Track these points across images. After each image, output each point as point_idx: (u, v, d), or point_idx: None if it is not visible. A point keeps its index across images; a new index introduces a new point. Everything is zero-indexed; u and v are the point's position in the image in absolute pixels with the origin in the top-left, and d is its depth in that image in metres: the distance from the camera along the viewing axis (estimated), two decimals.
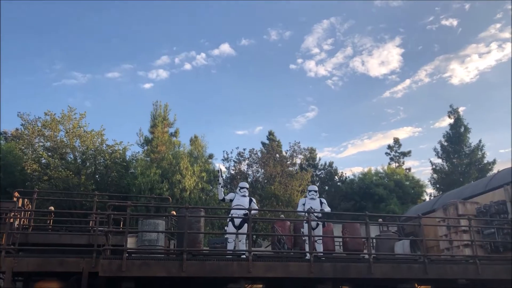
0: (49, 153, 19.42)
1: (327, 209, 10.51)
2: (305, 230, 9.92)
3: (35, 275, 9.33)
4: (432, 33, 56.25)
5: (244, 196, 9.90)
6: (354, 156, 53.89)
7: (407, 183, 28.72)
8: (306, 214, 9.54)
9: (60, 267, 8.97)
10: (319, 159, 34.12)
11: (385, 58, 54.67)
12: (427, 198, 29.85)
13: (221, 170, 10.90)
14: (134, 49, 52.97)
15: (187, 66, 50.98)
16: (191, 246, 8.82)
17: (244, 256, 8.87)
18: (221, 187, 10.42)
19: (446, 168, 31.74)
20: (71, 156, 19.89)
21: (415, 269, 9.45)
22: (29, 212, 11.51)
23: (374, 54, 54.68)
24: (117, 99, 50.36)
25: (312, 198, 10.32)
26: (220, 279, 8.39)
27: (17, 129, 21.19)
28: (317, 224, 9.99)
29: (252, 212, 9.26)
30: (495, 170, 26.87)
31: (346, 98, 58.51)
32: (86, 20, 49.34)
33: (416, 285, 9.61)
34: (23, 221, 11.57)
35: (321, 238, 10.02)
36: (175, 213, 13.61)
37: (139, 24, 52.95)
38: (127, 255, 7.95)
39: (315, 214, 9.86)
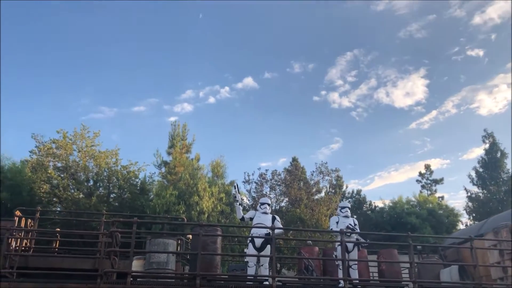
0: (61, 174, 18.88)
1: (358, 230, 9.45)
2: (338, 253, 8.84)
3: None
4: (457, 63, 55.92)
5: (265, 213, 8.95)
6: (381, 188, 53.27)
7: (441, 212, 27.44)
8: (341, 234, 8.48)
9: None
10: (346, 187, 32.99)
11: (410, 89, 54.61)
12: (462, 227, 28.50)
13: (237, 185, 9.93)
14: (160, 84, 55.03)
15: (211, 100, 52.25)
16: (206, 271, 7.87)
17: (266, 283, 7.88)
18: (239, 204, 9.46)
19: (481, 196, 30.47)
20: (83, 177, 19.30)
21: None
22: (30, 233, 10.83)
23: (398, 85, 54.69)
24: (142, 132, 51.85)
25: (345, 216, 9.27)
26: None
27: (30, 152, 20.78)
28: (354, 247, 8.90)
29: (276, 231, 8.27)
30: None
31: (371, 130, 58.67)
32: (113, 55, 51.43)
33: None
34: (25, 243, 10.95)
35: (356, 263, 8.91)
36: (190, 237, 12.70)
37: (165, 60, 55.15)
38: (131, 279, 7.08)
39: (353, 234, 8.78)
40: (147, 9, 53.95)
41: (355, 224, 9.31)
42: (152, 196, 18.87)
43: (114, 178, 19.71)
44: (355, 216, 9.72)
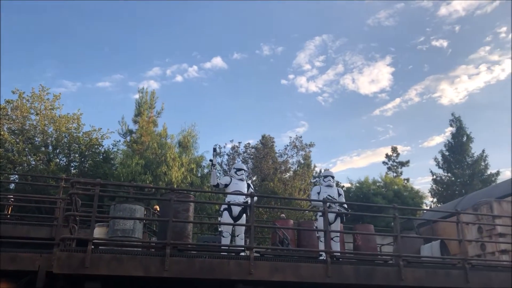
0: (16, 138, 17.63)
1: (344, 201, 9.06)
2: (319, 224, 8.38)
3: None
4: (422, 53, 57.75)
5: (241, 180, 8.35)
6: (344, 173, 54.59)
7: (406, 193, 27.82)
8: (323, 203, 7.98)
9: (10, 264, 7.41)
10: (314, 166, 32.90)
11: (376, 77, 55.83)
12: (427, 209, 29.06)
13: (216, 149, 9.26)
14: (126, 60, 54.04)
15: (179, 78, 51.31)
16: (177, 240, 7.26)
17: (243, 254, 7.34)
18: (215, 168, 8.80)
19: (446, 179, 31.24)
20: (41, 142, 18.09)
21: (454, 276, 8.02)
22: None
23: (364, 72, 55.74)
24: (106, 108, 50.72)
25: (328, 185, 8.80)
26: (212, 281, 6.86)
27: None
28: (336, 218, 8.46)
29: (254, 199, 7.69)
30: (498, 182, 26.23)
31: (336, 115, 60.66)
32: (79, 29, 49.72)
33: None
34: None
35: (338, 235, 8.50)
36: (158, 208, 11.97)
37: (132, 35, 54.18)
38: (93, 247, 6.38)
39: (335, 204, 8.33)
40: None
41: (339, 194, 8.86)
42: (116, 165, 17.96)
43: (75, 144, 18.64)
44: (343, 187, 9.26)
